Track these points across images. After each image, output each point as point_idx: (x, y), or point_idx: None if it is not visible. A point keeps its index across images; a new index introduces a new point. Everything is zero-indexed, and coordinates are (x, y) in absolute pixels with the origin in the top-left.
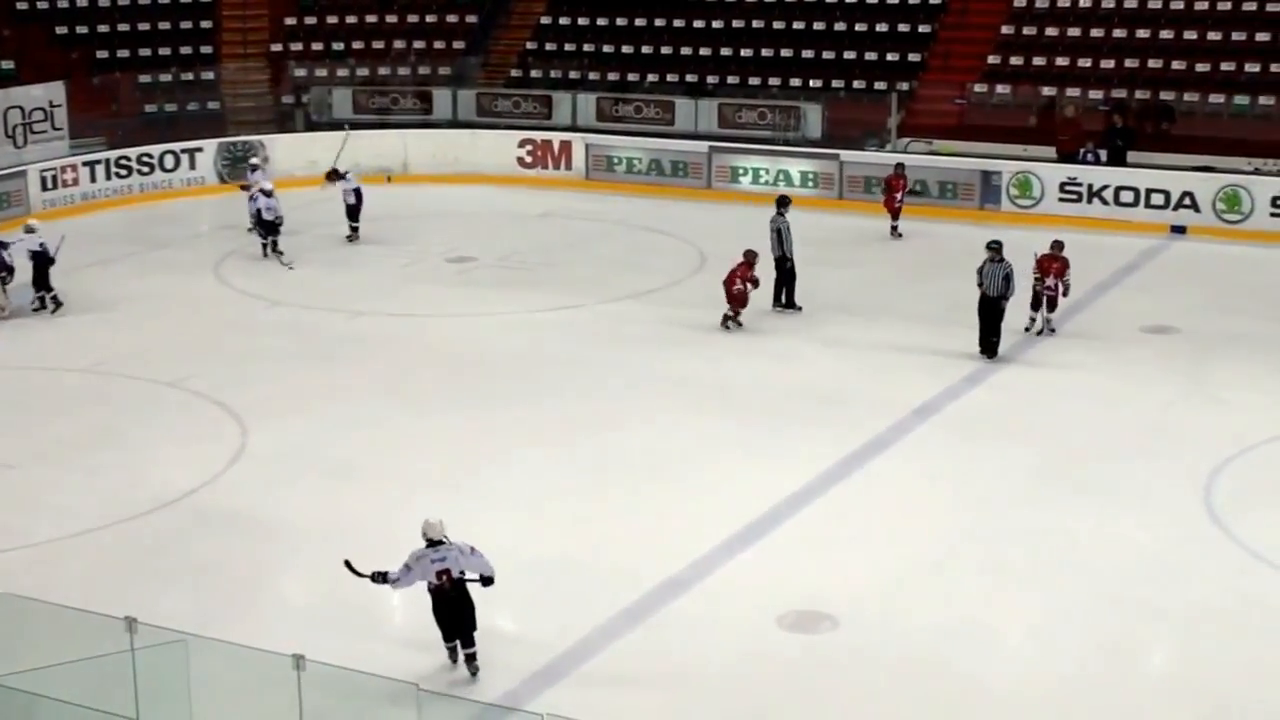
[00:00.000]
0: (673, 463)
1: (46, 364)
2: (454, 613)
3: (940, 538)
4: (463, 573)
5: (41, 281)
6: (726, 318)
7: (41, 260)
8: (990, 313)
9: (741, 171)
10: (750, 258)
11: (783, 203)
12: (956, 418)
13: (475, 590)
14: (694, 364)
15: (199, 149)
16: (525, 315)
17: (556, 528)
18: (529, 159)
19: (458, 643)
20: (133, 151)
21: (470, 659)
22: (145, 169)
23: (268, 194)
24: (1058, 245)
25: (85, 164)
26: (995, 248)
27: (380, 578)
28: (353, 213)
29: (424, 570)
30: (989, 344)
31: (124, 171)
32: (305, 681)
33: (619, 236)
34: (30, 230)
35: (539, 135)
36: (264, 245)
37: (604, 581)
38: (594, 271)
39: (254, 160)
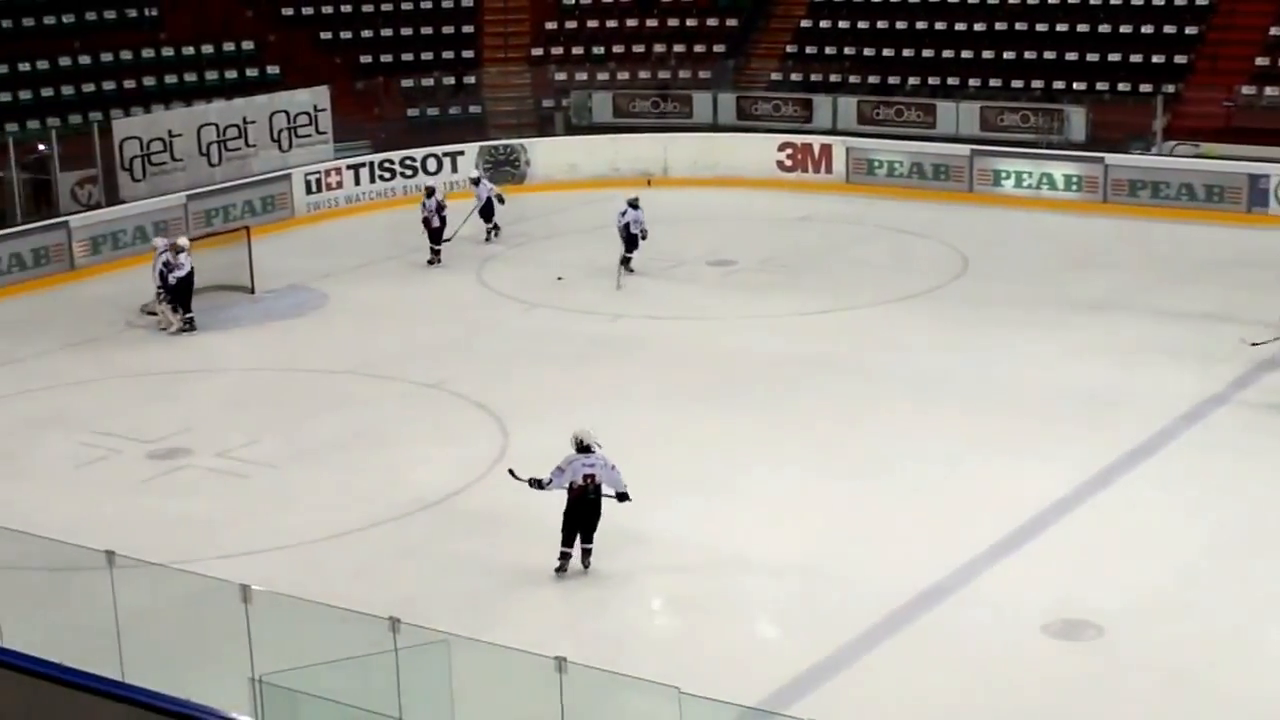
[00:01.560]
0: (934, 466)
1: (310, 365)
2: (587, 514)
3: (1210, 546)
4: (601, 481)
5: (184, 302)
6: None
7: (187, 281)
8: None
9: (1004, 175)
10: None
11: None
12: (1227, 422)
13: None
14: (957, 366)
15: (460, 152)
16: (785, 319)
17: (815, 531)
18: (789, 162)
19: (576, 544)
20: (395, 155)
21: (587, 554)
22: (408, 172)
23: (634, 206)
24: None
25: (349, 167)
26: None
27: (536, 483)
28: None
29: (574, 472)
30: None
31: (387, 174)
32: (566, 683)
33: (879, 240)
34: (180, 250)
35: (799, 139)
36: (624, 259)
37: (865, 586)
38: (854, 275)
39: (475, 174)
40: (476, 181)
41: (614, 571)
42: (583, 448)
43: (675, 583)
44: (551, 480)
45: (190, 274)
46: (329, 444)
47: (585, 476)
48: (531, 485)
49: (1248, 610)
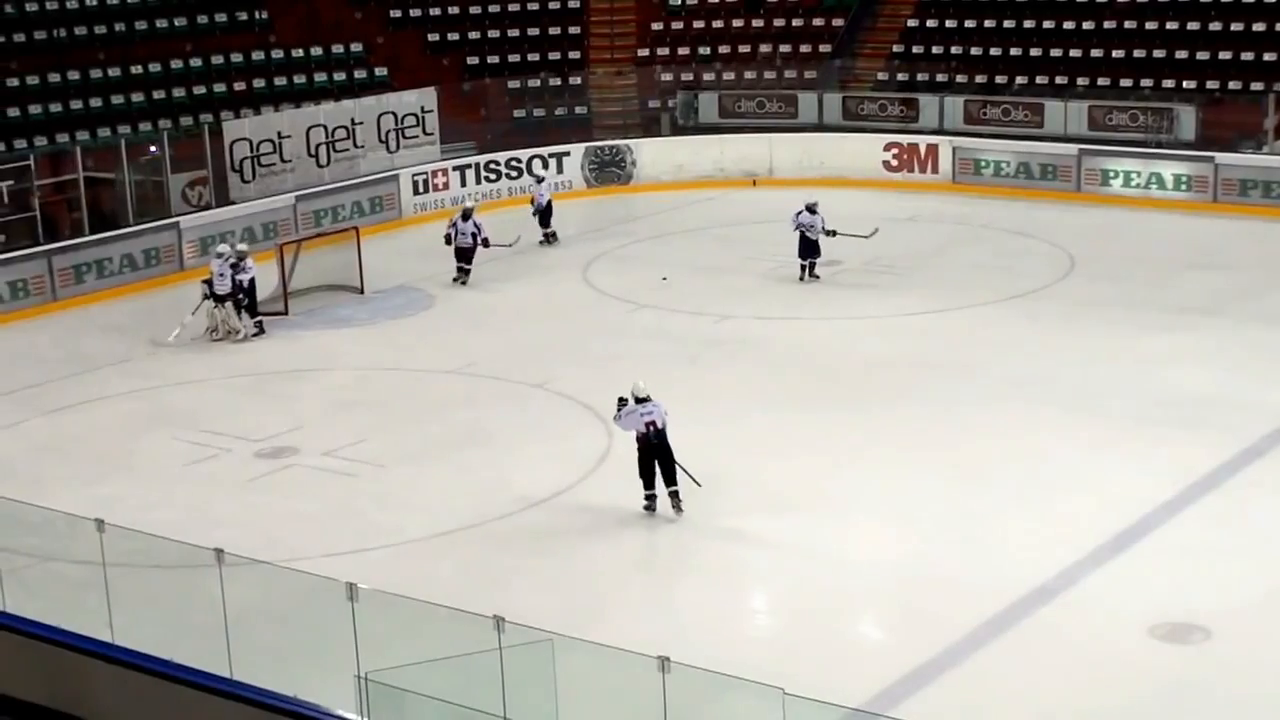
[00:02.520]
0: (1040, 468)
1: (417, 365)
2: (659, 457)
3: None
4: (663, 424)
5: (254, 306)
6: None
7: (253, 288)
8: None
9: (1112, 174)
10: None
11: None
12: None
13: None
14: (1062, 368)
15: (566, 153)
16: (891, 319)
17: (919, 532)
18: (895, 162)
19: (658, 489)
20: (501, 155)
21: (674, 495)
22: (514, 173)
23: (812, 210)
24: None
25: (455, 168)
26: None
27: (621, 403)
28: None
29: (635, 421)
30: None
31: (493, 175)
32: (670, 683)
33: (986, 240)
34: (242, 256)
35: (905, 138)
36: (803, 267)
37: (969, 587)
38: (961, 276)
39: (541, 173)
40: (540, 180)
41: (717, 571)
42: (640, 399)
43: (778, 583)
44: (620, 419)
45: (254, 278)
46: (435, 443)
47: (647, 424)
48: (620, 404)
49: None
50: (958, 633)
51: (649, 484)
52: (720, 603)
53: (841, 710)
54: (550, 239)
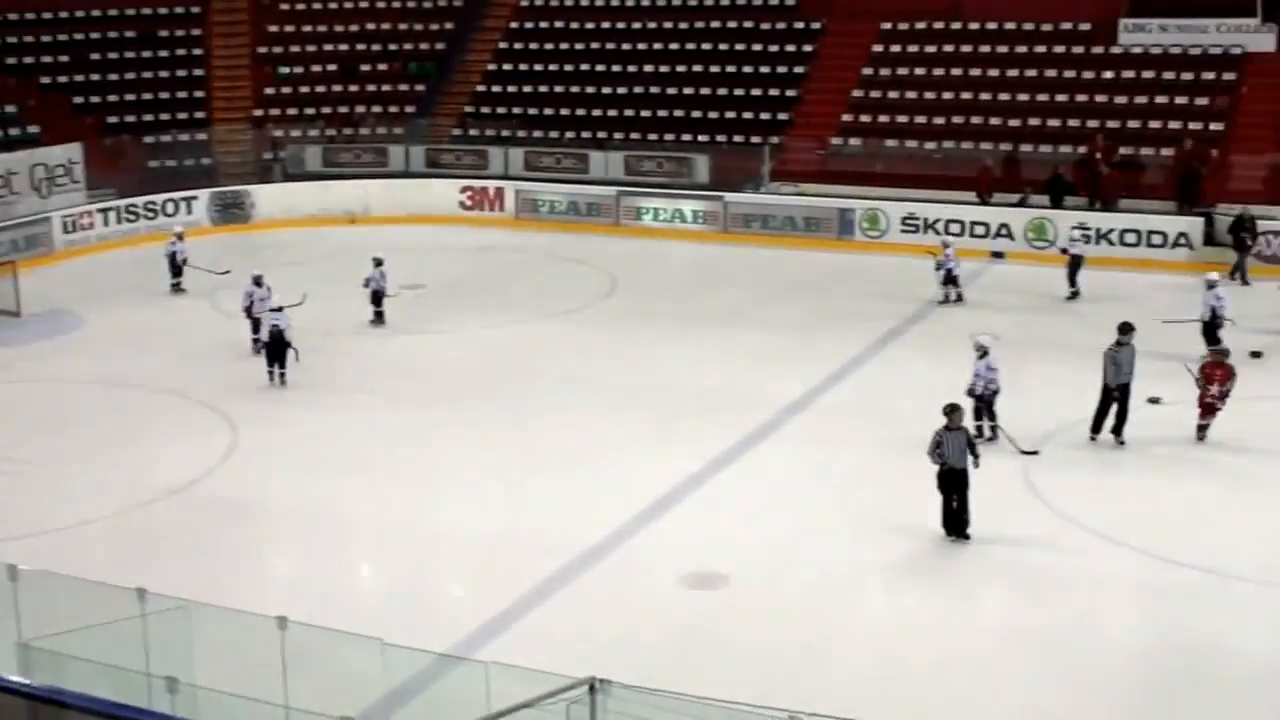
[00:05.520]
0: (591, 450)
1: (71, 378)
2: (278, 351)
3: (810, 509)
4: (285, 331)
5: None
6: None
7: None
8: (956, 485)
9: (644, 210)
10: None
11: (1125, 330)
12: (821, 410)
13: None
14: (607, 369)
15: (194, 197)
16: (469, 332)
17: (494, 506)
18: (469, 202)
19: (276, 368)
20: (139, 200)
21: (283, 376)
22: (150, 214)
23: (378, 264)
24: (1223, 353)
25: (100, 210)
26: (951, 412)
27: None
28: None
29: (267, 321)
30: (958, 520)
31: (132, 217)
32: (287, 639)
33: (544, 266)
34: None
35: (477, 183)
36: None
37: (536, 550)
38: (524, 295)
39: (177, 229)
40: (180, 238)
41: (329, 543)
42: (276, 309)
43: (380, 552)
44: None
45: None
46: (89, 443)
47: (272, 325)
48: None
49: (842, 559)
50: (526, 587)
51: (270, 366)
52: (331, 569)
53: (430, 654)
54: (177, 289)
